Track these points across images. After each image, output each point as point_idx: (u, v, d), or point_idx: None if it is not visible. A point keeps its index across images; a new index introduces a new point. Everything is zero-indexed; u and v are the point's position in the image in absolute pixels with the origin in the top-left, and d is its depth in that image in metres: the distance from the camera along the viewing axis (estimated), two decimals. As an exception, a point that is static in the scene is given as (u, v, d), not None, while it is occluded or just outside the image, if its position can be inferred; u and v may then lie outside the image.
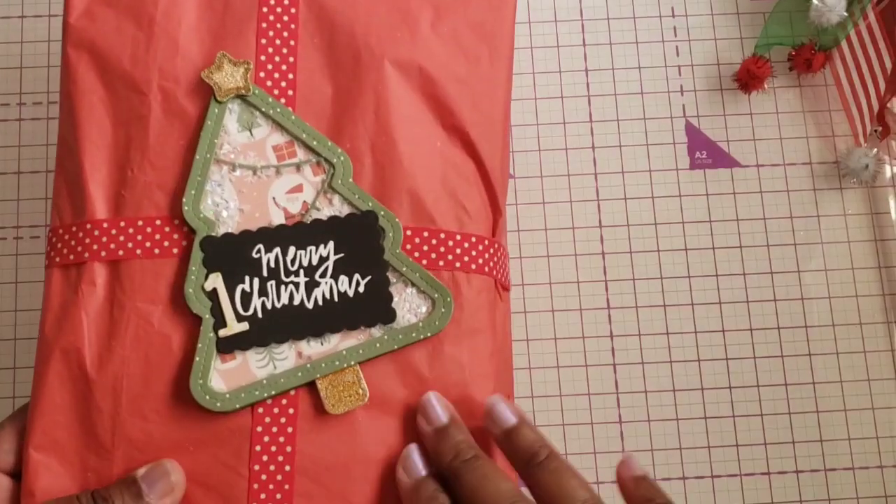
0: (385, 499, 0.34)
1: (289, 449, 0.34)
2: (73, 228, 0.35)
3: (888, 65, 0.52)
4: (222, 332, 0.34)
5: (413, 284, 0.36)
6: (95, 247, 0.35)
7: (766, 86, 0.55)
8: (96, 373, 0.34)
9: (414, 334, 0.35)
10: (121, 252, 0.35)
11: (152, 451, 0.33)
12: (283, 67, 0.37)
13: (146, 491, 0.32)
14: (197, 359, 0.34)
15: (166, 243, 0.35)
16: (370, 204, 0.36)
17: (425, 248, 0.36)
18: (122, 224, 0.35)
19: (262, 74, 0.37)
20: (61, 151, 0.37)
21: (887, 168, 0.55)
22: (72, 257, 0.35)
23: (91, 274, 0.35)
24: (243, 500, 0.33)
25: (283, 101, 0.37)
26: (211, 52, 0.37)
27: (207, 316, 0.34)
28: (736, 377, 0.53)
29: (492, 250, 0.38)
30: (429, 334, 0.35)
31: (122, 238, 0.35)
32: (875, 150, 0.54)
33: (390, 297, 0.35)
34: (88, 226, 0.35)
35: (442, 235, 0.37)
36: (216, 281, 0.34)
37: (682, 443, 0.52)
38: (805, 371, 0.53)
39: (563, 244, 0.54)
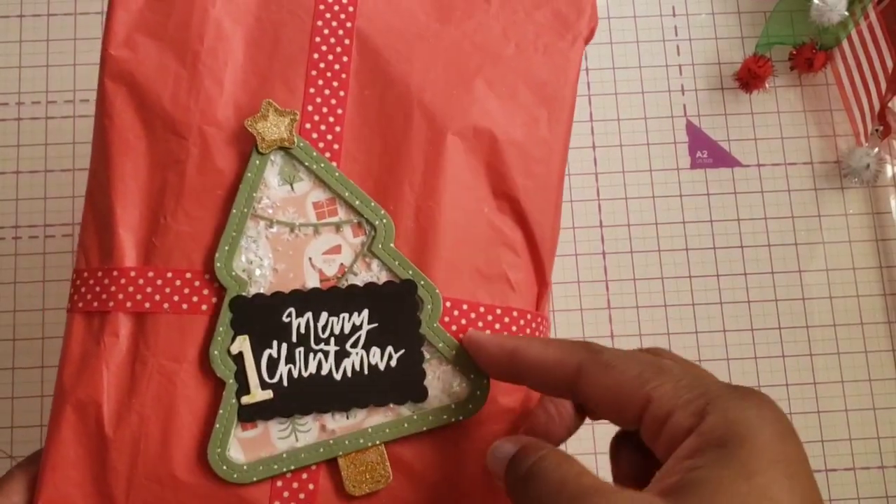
0: None
1: None
2: (99, 274, 0.34)
3: (889, 64, 0.52)
4: (245, 400, 0.32)
5: (449, 362, 0.33)
6: (121, 296, 0.33)
7: (767, 85, 0.55)
8: (113, 430, 0.32)
9: (445, 416, 0.33)
10: (147, 304, 0.33)
11: None
12: (331, 119, 0.35)
13: None
14: (217, 426, 0.32)
15: (195, 299, 0.33)
16: (410, 272, 0.34)
17: (463, 321, 0.34)
18: (151, 275, 0.33)
19: (307, 126, 0.35)
20: (92, 185, 0.35)
21: (888, 167, 0.55)
22: (96, 304, 0.33)
23: (115, 325, 0.33)
24: None
25: (327, 154, 0.34)
26: (256, 96, 0.35)
27: (231, 381, 0.32)
28: (737, 377, 0.52)
29: (534, 325, 0.36)
30: (461, 418, 0.33)
31: (149, 290, 0.33)
32: (876, 149, 0.54)
33: (423, 375, 0.33)
34: (115, 273, 0.33)
35: (482, 309, 0.34)
36: (243, 345, 0.33)
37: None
38: (806, 371, 0.53)
39: (563, 244, 0.54)
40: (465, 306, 0.34)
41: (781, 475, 0.23)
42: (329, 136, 0.35)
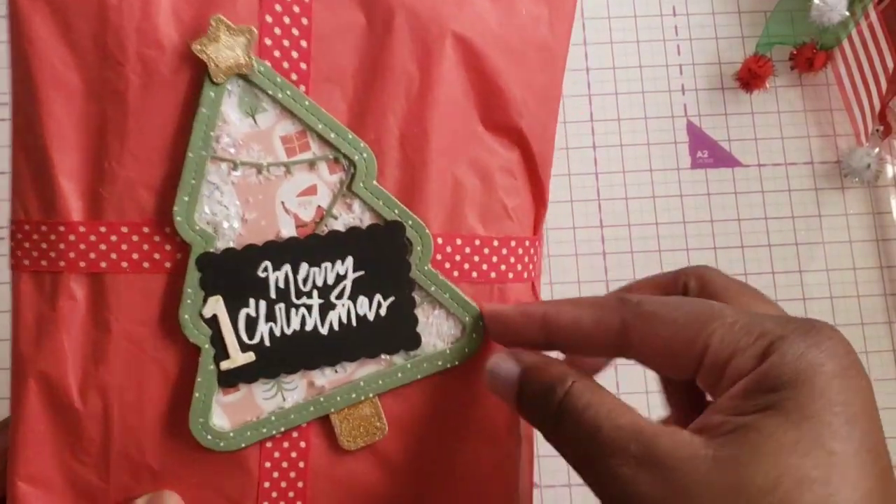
0: None
1: (300, 485, 0.30)
2: (44, 228, 0.29)
3: (889, 64, 0.52)
4: (224, 365, 0.29)
5: (442, 305, 0.31)
6: (72, 255, 0.29)
7: (767, 85, 0.55)
8: (83, 403, 0.29)
9: (440, 362, 0.31)
10: (103, 264, 0.29)
11: (150, 482, 0.30)
12: (295, 32, 0.29)
13: None
14: (196, 395, 0.29)
15: (156, 255, 0.29)
16: (396, 212, 0.30)
17: (457, 258, 0.31)
18: (104, 230, 0.29)
19: (267, 41, 0.29)
20: (18, 123, 0.30)
21: (889, 167, 0.55)
22: (44, 263, 0.29)
23: (69, 287, 0.29)
24: None
25: (294, 76, 0.29)
26: (203, 9, 0.29)
27: (207, 346, 0.29)
28: (737, 377, 0.52)
29: (532, 251, 0.33)
30: (457, 363, 0.31)
31: (103, 247, 0.29)
32: (877, 149, 0.54)
33: (415, 321, 0.31)
34: (62, 228, 0.29)
35: (477, 242, 0.31)
36: (216, 306, 0.29)
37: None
38: (806, 371, 0.53)
39: (563, 244, 0.54)
40: (458, 241, 0.31)
41: (838, 420, 0.22)
42: (294, 54, 0.30)
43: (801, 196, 0.55)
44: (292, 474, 0.30)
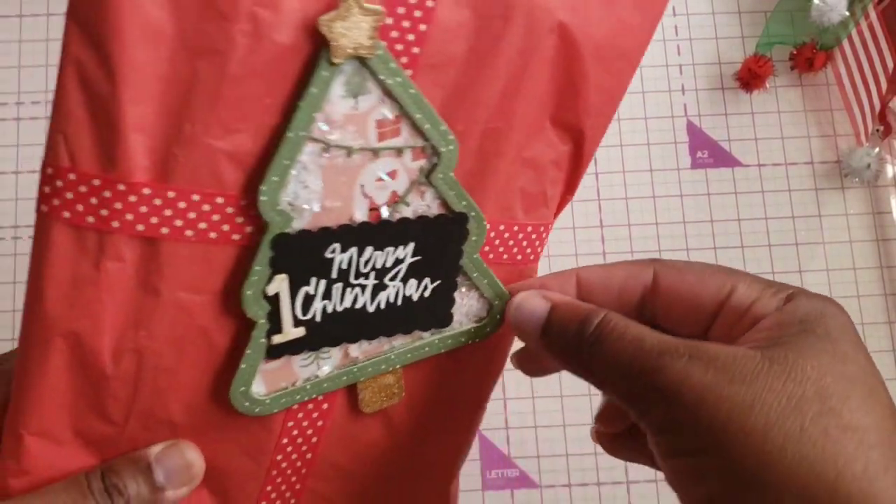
0: (401, 496, 0.34)
1: (314, 440, 0.32)
2: (96, 182, 0.26)
3: (889, 64, 0.52)
4: (276, 339, 0.29)
5: (477, 289, 0.32)
6: (130, 217, 0.26)
7: (767, 85, 0.55)
8: (115, 365, 0.27)
9: (463, 339, 0.32)
10: (165, 230, 0.26)
11: (167, 434, 0.29)
12: (417, 14, 0.27)
13: (163, 481, 0.28)
14: (243, 366, 0.28)
15: (226, 227, 0.27)
16: (464, 204, 0.30)
17: (497, 242, 0.32)
18: (172, 195, 0.26)
19: (388, 20, 0.27)
20: (83, 55, 0.25)
21: (889, 167, 0.55)
22: (91, 220, 0.26)
23: (119, 248, 0.26)
24: (259, 483, 0.31)
25: (404, 60, 0.27)
26: None
27: (263, 321, 0.28)
28: (737, 377, 0.52)
29: (544, 233, 0.34)
30: (477, 339, 0.33)
31: (168, 212, 0.26)
32: (877, 149, 0.53)
33: (452, 303, 0.32)
34: (121, 187, 0.26)
35: (515, 228, 0.32)
36: (281, 285, 0.28)
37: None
38: (807, 371, 0.53)
39: (563, 244, 0.54)
40: (501, 227, 0.32)
41: (861, 350, 0.26)
42: (410, 37, 0.27)
43: (801, 196, 0.55)
44: (309, 431, 0.31)
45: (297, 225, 0.28)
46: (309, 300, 0.29)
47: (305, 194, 0.28)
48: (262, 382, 0.29)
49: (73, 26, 0.25)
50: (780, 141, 0.56)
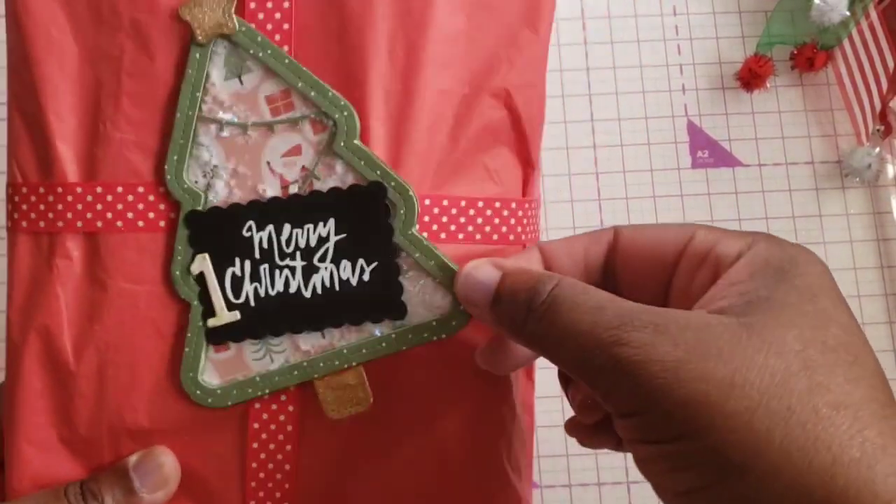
0: (391, 501, 0.32)
1: (288, 448, 0.31)
2: (41, 190, 0.30)
3: (890, 63, 0.52)
4: (211, 322, 0.30)
5: (428, 274, 0.30)
6: (70, 215, 0.30)
7: (767, 85, 0.55)
8: (76, 360, 0.30)
9: (426, 334, 0.30)
10: (99, 223, 0.30)
11: (143, 439, 0.31)
12: None
13: (138, 485, 0.29)
14: (187, 349, 0.30)
15: (151, 214, 0.30)
16: (378, 172, 0.30)
17: (444, 219, 0.30)
18: (100, 190, 0.30)
19: (252, 5, 0.30)
20: (15, 88, 0.31)
21: (889, 167, 0.55)
22: (42, 224, 0.30)
23: (65, 246, 0.30)
24: (238, 493, 0.31)
25: (277, 37, 0.30)
26: None
27: (196, 303, 0.30)
28: (738, 377, 0.52)
29: (520, 213, 0.32)
30: (443, 335, 0.30)
31: (99, 207, 0.30)
32: (877, 149, 0.53)
33: (400, 289, 0.30)
34: (60, 190, 0.30)
35: (462, 203, 0.31)
36: (203, 264, 0.30)
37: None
38: (807, 371, 0.52)
39: (564, 244, 0.54)
40: (445, 202, 0.31)
41: (841, 304, 0.24)
42: (277, 15, 0.30)
43: (801, 196, 0.55)
44: (280, 437, 0.31)
45: (209, 202, 0.30)
46: (238, 282, 0.30)
47: (210, 172, 0.30)
48: (215, 373, 0.31)
49: (10, 67, 0.31)
50: (781, 141, 0.55)
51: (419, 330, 0.30)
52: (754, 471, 0.21)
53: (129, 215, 0.30)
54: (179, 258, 0.30)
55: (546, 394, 0.51)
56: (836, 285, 0.24)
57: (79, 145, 0.30)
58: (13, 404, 0.31)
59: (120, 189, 0.30)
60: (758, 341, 0.22)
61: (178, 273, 0.30)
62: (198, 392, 0.30)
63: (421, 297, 0.30)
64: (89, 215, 0.30)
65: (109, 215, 0.30)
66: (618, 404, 0.23)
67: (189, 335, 0.30)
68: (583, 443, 0.32)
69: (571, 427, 0.32)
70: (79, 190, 0.30)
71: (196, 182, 0.30)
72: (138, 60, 0.30)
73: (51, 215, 0.30)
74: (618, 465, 0.51)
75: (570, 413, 0.33)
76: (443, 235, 0.31)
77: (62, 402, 0.30)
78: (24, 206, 0.31)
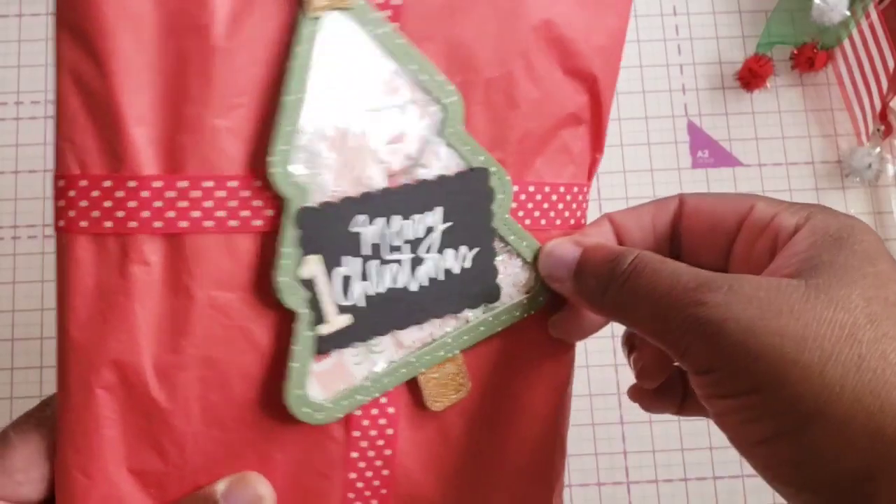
0: (490, 499, 0.31)
1: (388, 452, 0.29)
2: (107, 184, 0.25)
3: (890, 63, 0.52)
4: (323, 329, 0.27)
5: (518, 255, 0.30)
6: (146, 214, 0.25)
7: (768, 84, 0.55)
8: (160, 386, 0.26)
9: (518, 313, 0.30)
10: (183, 223, 0.25)
11: (233, 461, 0.27)
12: None
13: None
14: (293, 364, 0.26)
15: (245, 213, 0.26)
16: (482, 158, 0.29)
17: (530, 205, 0.30)
18: (184, 184, 0.25)
19: None
20: (74, 60, 0.25)
21: (890, 167, 0.55)
22: (109, 224, 0.25)
23: (141, 250, 0.25)
24: None
25: (388, 13, 0.27)
26: None
27: (305, 311, 0.26)
28: (738, 377, 0.52)
29: (580, 197, 0.32)
30: (533, 311, 0.30)
31: (183, 204, 0.25)
32: (878, 149, 0.53)
33: (496, 272, 0.30)
34: (132, 184, 0.25)
35: (547, 189, 0.30)
36: (316, 267, 0.26)
37: (683, 444, 0.51)
38: (807, 371, 0.52)
39: (564, 244, 0.54)
40: (531, 188, 0.30)
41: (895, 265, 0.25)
42: None
43: (801, 196, 0.55)
44: (380, 442, 0.29)
45: (318, 197, 0.26)
46: (347, 283, 0.27)
47: (315, 162, 0.26)
48: (318, 387, 0.27)
49: (62, 30, 0.25)
50: (781, 141, 0.55)
51: (512, 309, 0.30)
52: (829, 417, 0.22)
53: (220, 213, 0.25)
54: (287, 262, 0.26)
55: (546, 394, 0.51)
56: (888, 251, 0.26)
57: (158, 131, 0.25)
58: (74, 438, 0.26)
59: (209, 183, 0.25)
60: (825, 299, 0.23)
61: (284, 279, 0.26)
62: (306, 409, 0.27)
63: (512, 279, 0.30)
64: (171, 214, 0.25)
65: (196, 214, 0.25)
66: (695, 362, 0.24)
67: (295, 348, 0.26)
68: (646, 408, 0.33)
69: (634, 393, 0.33)
70: (157, 184, 0.25)
71: (301, 175, 0.26)
72: (234, 30, 0.25)
73: (120, 214, 0.25)
74: (618, 465, 0.51)
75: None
76: (527, 221, 0.30)
77: (142, 431, 0.26)
78: (84, 203, 0.25)
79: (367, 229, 0.27)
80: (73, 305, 0.25)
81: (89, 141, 0.25)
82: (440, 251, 0.28)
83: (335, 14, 0.26)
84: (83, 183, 0.25)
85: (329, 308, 0.27)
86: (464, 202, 0.29)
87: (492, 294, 0.30)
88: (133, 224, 0.25)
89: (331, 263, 0.27)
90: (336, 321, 0.27)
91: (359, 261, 0.27)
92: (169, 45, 0.25)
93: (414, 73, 0.27)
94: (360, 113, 0.27)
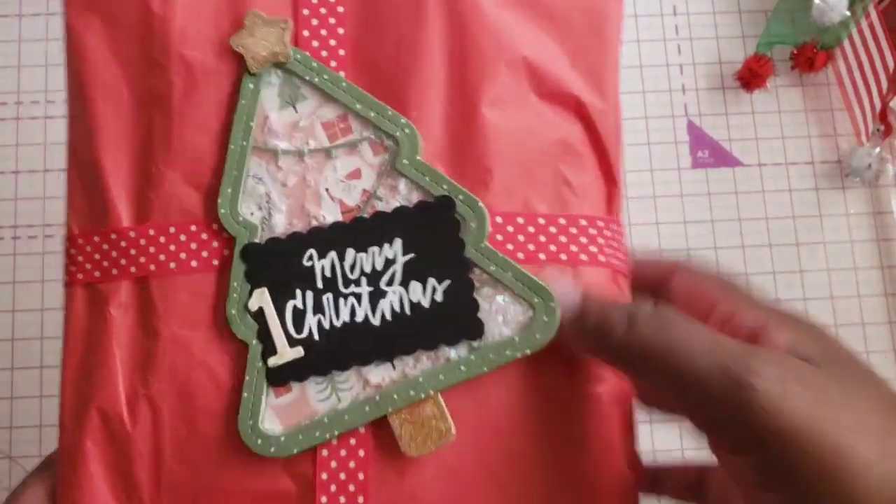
0: None
1: (360, 500, 0.28)
2: (96, 238, 0.30)
3: (890, 63, 0.52)
4: (272, 361, 0.28)
5: (505, 287, 0.28)
6: (123, 261, 0.29)
7: (768, 85, 0.55)
8: (132, 417, 0.28)
9: (508, 352, 0.27)
10: (152, 266, 0.29)
11: (204, 498, 0.28)
12: (332, 21, 0.29)
13: None
14: (245, 395, 0.28)
15: (204, 253, 0.29)
16: (445, 186, 0.28)
17: (520, 237, 0.29)
18: (152, 233, 0.29)
19: (305, 33, 0.29)
20: (73, 139, 0.31)
21: (889, 167, 0.55)
22: (97, 274, 0.29)
23: (119, 294, 0.29)
24: None
25: (333, 64, 0.29)
26: (239, 6, 0.29)
27: (254, 342, 0.28)
28: (738, 377, 0.52)
29: (607, 232, 0.30)
30: (527, 351, 0.27)
31: (152, 249, 0.29)
32: (877, 148, 0.53)
33: (476, 306, 0.28)
34: (113, 236, 0.29)
35: (541, 221, 0.29)
36: (262, 298, 0.28)
37: (683, 444, 0.51)
38: (807, 371, 0.53)
39: (564, 244, 0.54)
40: (520, 220, 0.29)
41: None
42: (332, 42, 0.29)
43: (801, 196, 0.55)
44: (351, 487, 0.28)
45: (266, 235, 0.29)
46: (300, 315, 0.28)
47: (266, 203, 0.29)
48: (276, 419, 0.28)
49: (68, 120, 0.31)
50: (781, 141, 0.55)
51: (500, 348, 0.28)
52: None
53: (182, 255, 0.29)
54: (235, 295, 0.28)
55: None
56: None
57: (132, 189, 0.29)
58: (68, 470, 0.29)
59: (172, 229, 0.29)
60: (855, 392, 0.22)
61: (234, 312, 0.28)
62: (259, 441, 0.28)
63: (499, 314, 0.28)
64: (142, 259, 0.29)
65: (162, 257, 0.29)
66: (735, 439, 0.22)
67: (248, 378, 0.28)
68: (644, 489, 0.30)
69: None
70: (132, 234, 0.29)
71: (252, 215, 0.29)
72: (188, 96, 0.29)
73: (105, 263, 0.29)
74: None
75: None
76: (521, 255, 0.28)
77: (120, 465, 0.28)
78: (80, 258, 0.30)
79: (319, 263, 0.28)
80: (69, 349, 0.29)
81: (82, 204, 0.30)
82: (404, 284, 0.28)
83: (277, 69, 0.29)
84: (80, 241, 0.30)
85: (279, 340, 0.28)
86: (427, 232, 0.28)
87: (472, 330, 0.28)
88: (115, 272, 0.29)
89: (282, 297, 0.28)
90: (286, 353, 0.28)
91: (311, 294, 0.28)
92: (140, 116, 0.30)
93: (364, 112, 0.29)
94: (311, 155, 0.29)
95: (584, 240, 0.29)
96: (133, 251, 0.29)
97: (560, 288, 0.27)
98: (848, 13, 0.53)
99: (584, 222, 0.29)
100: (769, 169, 0.55)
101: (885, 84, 0.52)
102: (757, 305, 0.26)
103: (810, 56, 0.55)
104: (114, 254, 0.29)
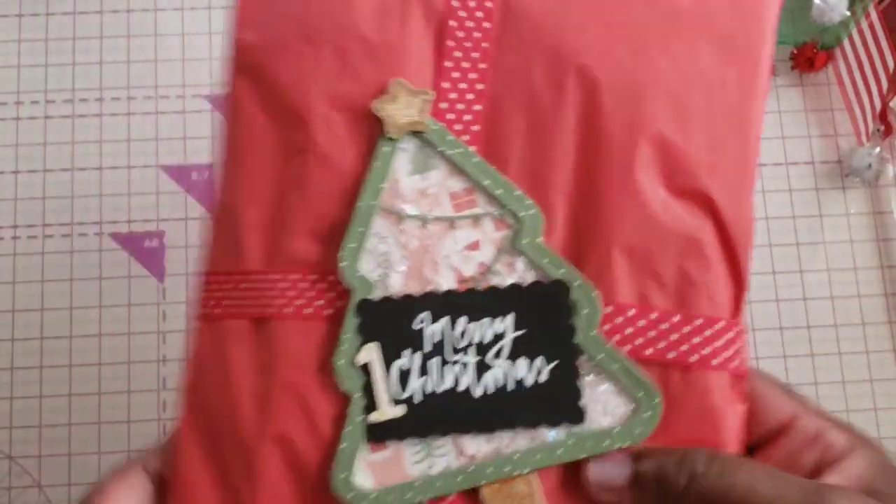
0: None
1: None
2: (225, 279, 0.31)
3: (890, 63, 0.52)
4: (373, 417, 0.28)
5: (610, 378, 0.28)
6: (246, 302, 0.30)
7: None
8: (246, 461, 0.29)
9: (606, 442, 0.28)
10: (270, 309, 0.30)
11: None
12: (469, 97, 0.30)
13: None
14: (342, 445, 0.28)
15: (319, 302, 0.30)
16: (562, 271, 0.29)
17: (629, 330, 0.28)
18: (275, 277, 0.30)
19: (443, 105, 0.30)
20: (222, 185, 0.33)
21: (890, 167, 0.55)
22: (219, 311, 0.31)
23: (240, 332, 0.30)
24: None
25: (465, 137, 0.30)
26: (385, 72, 0.30)
27: (358, 395, 0.28)
28: (738, 377, 0.52)
29: (728, 336, 0.29)
30: (627, 443, 0.28)
31: (273, 293, 0.30)
32: (878, 149, 0.53)
33: (578, 392, 0.28)
34: (239, 277, 0.31)
35: (653, 316, 0.29)
36: (371, 354, 0.29)
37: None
38: (807, 371, 0.52)
39: (563, 244, 0.54)
40: (631, 312, 0.29)
41: None
42: (467, 117, 0.30)
43: (801, 196, 0.55)
44: None
45: (381, 293, 0.29)
46: (405, 376, 0.29)
47: (385, 263, 0.30)
48: (370, 475, 0.28)
49: (221, 167, 0.33)
50: (781, 140, 0.55)
51: (599, 437, 0.28)
52: None
53: (298, 302, 0.30)
54: (345, 347, 0.29)
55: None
56: None
57: (265, 234, 0.31)
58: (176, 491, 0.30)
59: (294, 276, 0.30)
60: None
61: (342, 363, 0.29)
62: (349, 495, 0.28)
63: (601, 403, 0.28)
64: (263, 301, 0.30)
65: (280, 301, 0.30)
66: None
67: (347, 429, 0.28)
68: None
69: None
70: (256, 277, 0.31)
71: (370, 272, 0.30)
72: (326, 154, 0.30)
73: (227, 302, 0.31)
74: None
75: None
76: (627, 348, 0.28)
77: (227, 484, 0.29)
78: (218, 294, 0.31)
79: (430, 327, 0.29)
80: (190, 370, 0.31)
81: (219, 245, 0.32)
82: (511, 359, 0.29)
83: (413, 138, 0.30)
84: (211, 280, 0.32)
85: (382, 396, 0.29)
86: (540, 313, 0.29)
87: (574, 415, 0.28)
88: (239, 310, 0.30)
89: (390, 355, 0.29)
90: (388, 411, 0.28)
91: (419, 356, 0.29)
92: (282, 167, 0.31)
93: (491, 188, 0.30)
94: (434, 222, 0.30)
95: (697, 339, 0.29)
96: (255, 293, 0.30)
97: (607, 463, 0.28)
98: (848, 13, 0.53)
99: (700, 321, 0.29)
100: (769, 169, 0.55)
101: (885, 84, 0.52)
102: (817, 412, 0.27)
103: (810, 56, 0.55)
104: (238, 294, 0.31)
